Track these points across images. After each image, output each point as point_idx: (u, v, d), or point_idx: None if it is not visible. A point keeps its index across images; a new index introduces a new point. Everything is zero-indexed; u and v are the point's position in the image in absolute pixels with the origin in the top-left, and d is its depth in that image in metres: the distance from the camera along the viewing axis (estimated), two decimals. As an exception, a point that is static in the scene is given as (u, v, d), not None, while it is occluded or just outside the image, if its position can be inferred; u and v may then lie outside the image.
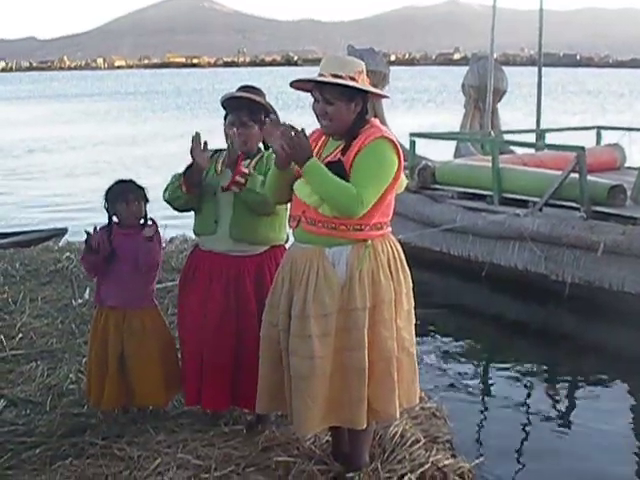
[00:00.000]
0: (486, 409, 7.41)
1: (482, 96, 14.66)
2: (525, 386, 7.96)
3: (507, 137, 14.43)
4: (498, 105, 14.99)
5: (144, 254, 5.33)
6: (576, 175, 10.69)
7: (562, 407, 7.49)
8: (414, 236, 11.59)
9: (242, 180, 5.02)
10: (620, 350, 9.04)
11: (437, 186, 12.67)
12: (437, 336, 9.35)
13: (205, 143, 5.11)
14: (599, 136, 14.80)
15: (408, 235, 11.26)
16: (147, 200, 5.45)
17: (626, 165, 13.76)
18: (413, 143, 12.91)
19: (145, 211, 5.44)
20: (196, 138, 5.08)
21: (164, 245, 10.43)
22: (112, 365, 5.38)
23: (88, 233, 5.33)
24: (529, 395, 7.76)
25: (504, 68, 15.44)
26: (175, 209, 5.34)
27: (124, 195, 5.36)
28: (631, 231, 9.87)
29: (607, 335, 9.55)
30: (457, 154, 14.29)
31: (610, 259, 10.04)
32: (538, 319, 10.26)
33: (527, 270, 11.00)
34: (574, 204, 10.75)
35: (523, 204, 11.24)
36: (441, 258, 12.21)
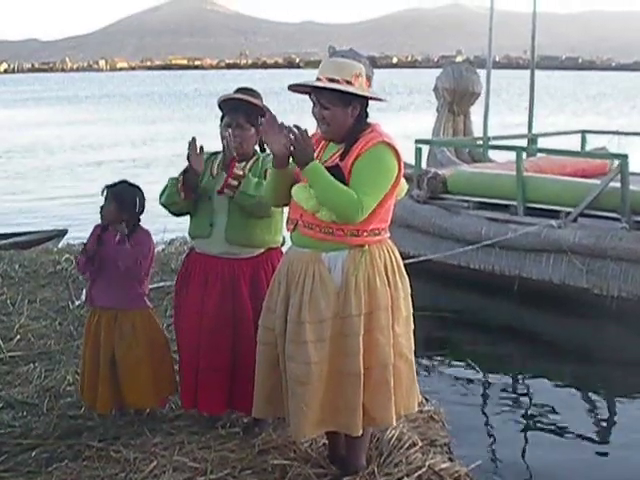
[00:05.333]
0: (485, 413, 7.37)
1: (457, 99, 14.18)
2: (535, 396, 7.79)
3: (495, 143, 13.80)
4: (471, 109, 14.56)
5: (122, 260, 5.31)
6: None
7: (570, 418, 7.25)
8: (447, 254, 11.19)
9: (235, 183, 5.02)
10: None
11: (448, 196, 12.07)
12: (451, 344, 9.24)
13: (201, 148, 5.12)
14: (584, 140, 14.49)
15: (445, 254, 11.05)
16: (127, 206, 5.37)
17: None
18: (419, 150, 12.44)
19: (122, 216, 5.37)
20: (192, 143, 5.09)
21: (163, 247, 10.45)
22: (104, 368, 5.38)
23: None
24: (534, 404, 7.57)
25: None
26: (172, 213, 5.34)
27: (107, 197, 5.37)
28: None
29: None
30: (432, 160, 13.62)
31: None
32: (577, 333, 9.81)
33: (565, 284, 10.55)
34: (610, 214, 10.39)
35: (549, 214, 10.83)
36: (459, 272, 11.50)
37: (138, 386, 5.40)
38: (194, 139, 5.11)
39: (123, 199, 5.38)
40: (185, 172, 5.11)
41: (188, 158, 5.10)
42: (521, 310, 10.52)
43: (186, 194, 5.13)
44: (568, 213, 10.68)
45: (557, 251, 10.54)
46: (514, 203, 11.27)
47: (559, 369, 8.61)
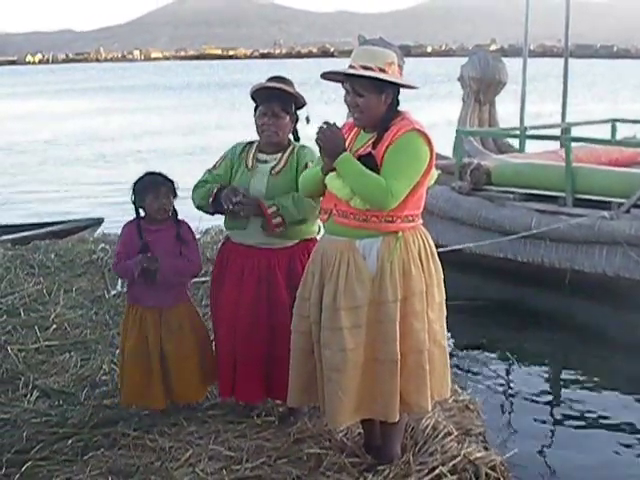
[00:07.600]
0: (521, 404, 7.32)
1: (483, 88, 13.86)
2: (577, 391, 7.70)
3: (532, 132, 13.65)
4: (496, 98, 14.29)
5: (177, 272, 5.29)
6: None
7: (611, 415, 7.13)
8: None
9: (279, 220, 5.04)
10: None
11: (492, 187, 11.76)
12: (496, 335, 9.04)
13: (243, 195, 5.08)
14: (614, 129, 14.27)
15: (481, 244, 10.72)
16: (176, 195, 5.35)
17: None
18: (460, 140, 12.28)
19: (173, 206, 5.37)
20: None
21: (198, 237, 10.43)
22: (156, 364, 5.33)
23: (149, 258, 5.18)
24: (574, 399, 7.47)
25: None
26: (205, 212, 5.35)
27: (155, 186, 5.25)
28: None
29: None
30: (460, 151, 12.94)
31: None
32: (631, 327, 9.55)
33: (619, 276, 10.30)
34: None
35: (598, 205, 10.59)
36: (507, 265, 11.10)
37: (187, 381, 5.38)
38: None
39: (175, 191, 5.33)
40: (220, 190, 5.13)
41: (225, 199, 5.07)
42: (573, 303, 10.33)
43: (214, 210, 5.18)
44: (619, 204, 10.44)
45: (611, 243, 10.28)
46: (562, 194, 11.03)
47: (609, 365, 8.48)
